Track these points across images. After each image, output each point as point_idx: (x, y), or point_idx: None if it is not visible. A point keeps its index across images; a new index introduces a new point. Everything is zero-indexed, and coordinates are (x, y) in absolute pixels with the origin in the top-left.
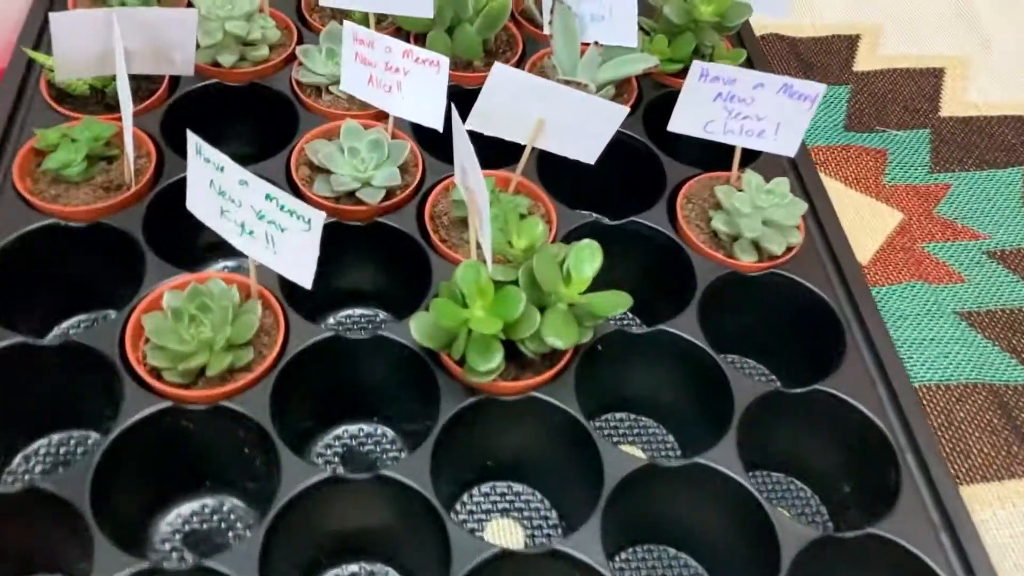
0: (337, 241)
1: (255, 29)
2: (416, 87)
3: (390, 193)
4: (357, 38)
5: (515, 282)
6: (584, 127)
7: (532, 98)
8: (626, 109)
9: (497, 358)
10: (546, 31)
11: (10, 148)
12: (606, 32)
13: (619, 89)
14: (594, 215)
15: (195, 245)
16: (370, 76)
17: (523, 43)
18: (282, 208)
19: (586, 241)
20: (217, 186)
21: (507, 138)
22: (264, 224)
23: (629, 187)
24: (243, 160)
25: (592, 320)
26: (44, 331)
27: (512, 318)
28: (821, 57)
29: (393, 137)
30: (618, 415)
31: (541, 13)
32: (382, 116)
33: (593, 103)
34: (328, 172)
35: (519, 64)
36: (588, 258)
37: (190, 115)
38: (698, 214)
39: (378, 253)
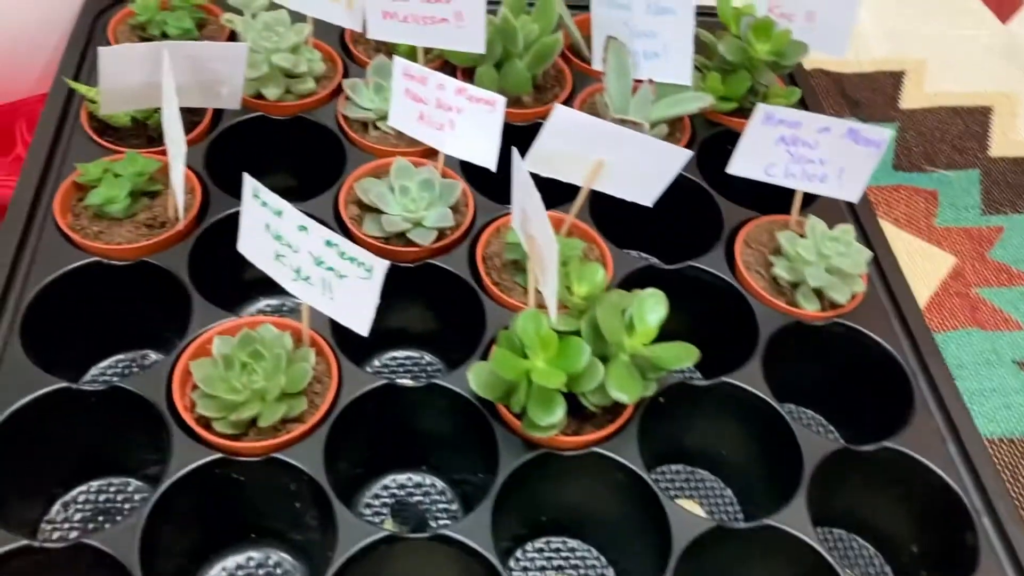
0: (386, 282)
1: (301, 62)
2: (470, 126)
3: (441, 234)
4: (407, 74)
5: (577, 332)
6: (644, 169)
7: (592, 140)
8: (689, 152)
9: (559, 412)
10: (595, 66)
11: (51, 182)
12: (660, 69)
13: (672, 128)
14: (648, 258)
15: (238, 282)
16: (420, 113)
17: (572, 79)
18: (342, 255)
19: (650, 290)
20: (273, 230)
21: (563, 179)
22: (322, 270)
23: (682, 228)
24: (287, 196)
25: (656, 372)
26: (81, 370)
27: (575, 370)
28: (866, 94)
29: (443, 176)
30: (673, 467)
31: (590, 48)
32: (431, 153)
33: (655, 145)
34: (378, 211)
35: (568, 100)
36: (653, 308)
37: (234, 149)
38: (757, 259)
39: (427, 295)
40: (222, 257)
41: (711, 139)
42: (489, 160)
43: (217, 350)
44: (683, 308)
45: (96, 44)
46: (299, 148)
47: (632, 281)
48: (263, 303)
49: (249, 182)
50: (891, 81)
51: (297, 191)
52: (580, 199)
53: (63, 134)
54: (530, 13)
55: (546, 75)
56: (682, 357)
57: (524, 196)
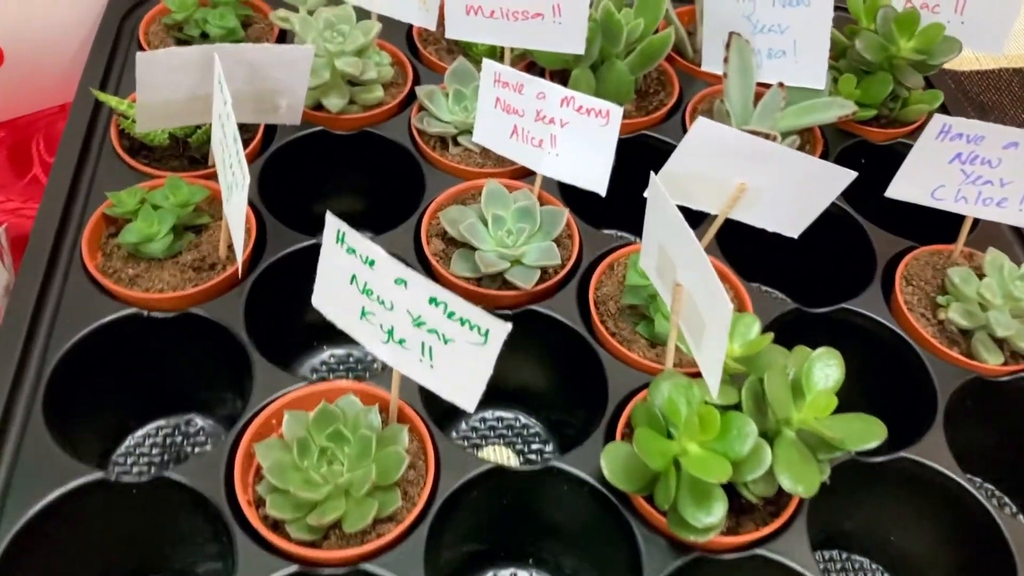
0: None
1: (369, 67)
2: (576, 142)
3: (544, 273)
4: (499, 80)
5: (735, 405)
6: (795, 194)
7: (737, 159)
8: (853, 173)
9: (719, 510)
10: (705, 66)
11: (76, 213)
12: (788, 70)
13: (802, 139)
14: (783, 298)
15: (296, 328)
16: (514, 127)
17: (679, 81)
18: (450, 315)
19: (823, 350)
20: (361, 283)
21: (693, 207)
22: (422, 332)
23: (821, 260)
24: (354, 226)
25: (829, 452)
26: (116, 440)
27: (738, 456)
28: (992, 95)
29: (542, 201)
30: (826, 553)
31: (693, 45)
32: (522, 172)
33: (814, 166)
34: (468, 247)
35: (676, 108)
36: (826, 371)
37: (291, 171)
38: (921, 299)
39: (527, 346)
40: (281, 303)
41: (848, 152)
42: (599, 184)
43: (288, 430)
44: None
45: (124, 48)
46: (367, 168)
47: (778, 328)
48: (327, 353)
49: (333, 224)
50: (1017, 80)
51: (367, 220)
52: (713, 230)
53: (89, 154)
54: (632, 5)
55: (648, 78)
56: (866, 435)
57: (668, 234)
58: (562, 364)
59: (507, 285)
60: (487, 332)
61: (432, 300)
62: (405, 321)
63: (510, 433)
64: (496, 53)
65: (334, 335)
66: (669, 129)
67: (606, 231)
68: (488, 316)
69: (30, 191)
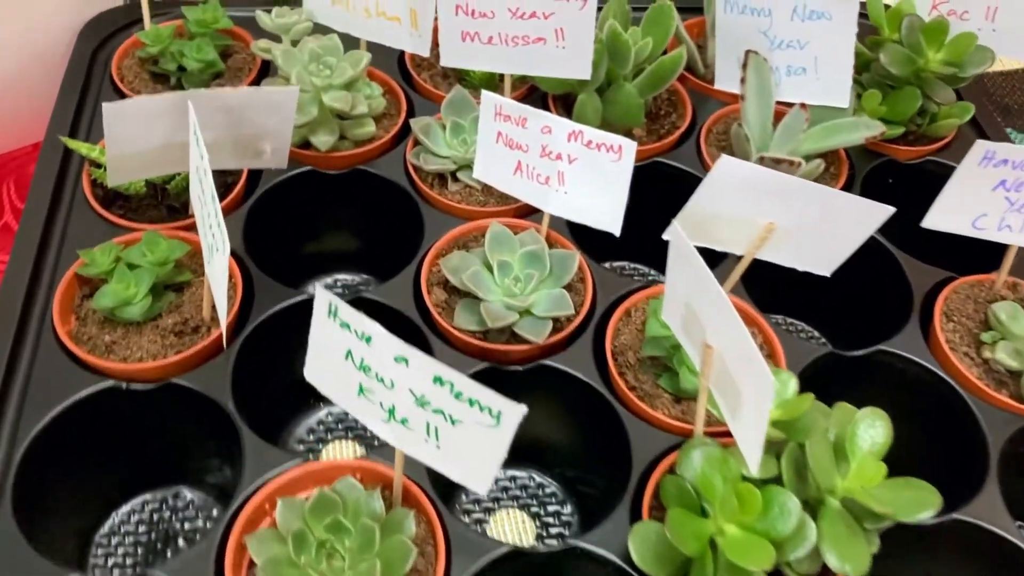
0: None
1: (359, 101)
2: (587, 179)
3: (556, 323)
4: (500, 113)
5: (775, 478)
6: (828, 232)
7: (765, 198)
8: (891, 209)
9: None
10: (719, 84)
11: (47, 274)
12: (808, 88)
13: (827, 161)
14: (823, 341)
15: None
16: (518, 163)
17: (691, 101)
18: (458, 396)
19: (868, 411)
20: (357, 359)
21: (718, 248)
22: (426, 412)
23: (850, 292)
24: (349, 271)
25: (877, 522)
26: (100, 517)
27: (781, 536)
28: (1017, 96)
29: (550, 242)
30: None
31: (703, 61)
32: (528, 209)
33: (849, 203)
34: (472, 297)
35: (690, 131)
36: (871, 434)
37: (279, 216)
38: (963, 337)
39: (540, 403)
40: (271, 363)
41: (875, 173)
42: (613, 224)
43: (283, 520)
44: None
45: (97, 83)
46: (361, 209)
47: (810, 374)
48: (324, 411)
49: (324, 298)
50: None
51: (362, 264)
52: (738, 272)
53: (60, 205)
54: (638, 23)
55: (658, 99)
56: (918, 504)
57: (695, 290)
58: (579, 421)
59: (516, 337)
60: (499, 415)
61: (437, 379)
62: (407, 400)
63: (524, 494)
64: (495, 78)
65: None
66: (683, 154)
67: (616, 263)
68: (500, 398)
69: (1, 240)
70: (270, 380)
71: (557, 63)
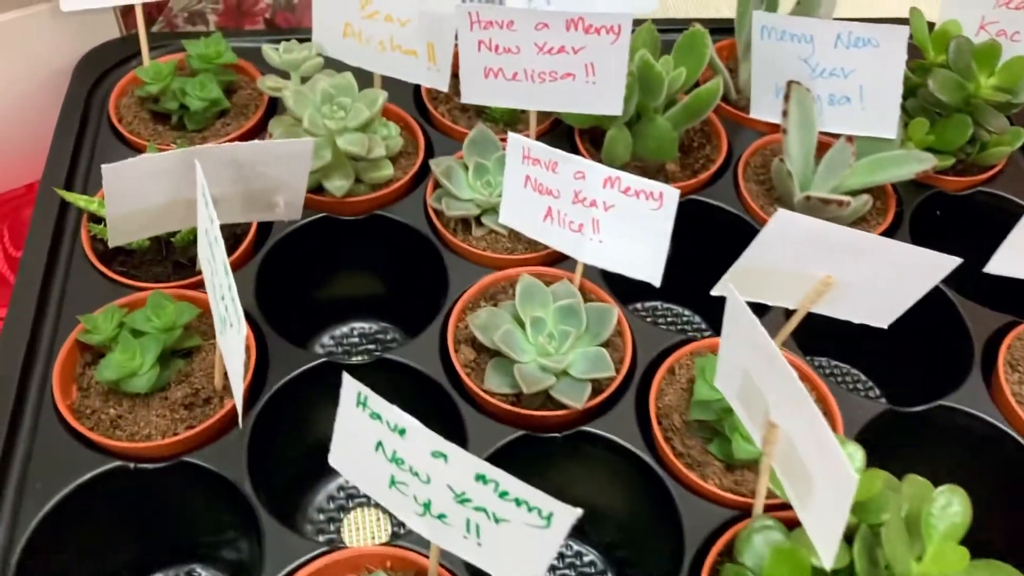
0: (524, 457)
1: (376, 144)
2: (623, 228)
3: (595, 385)
4: (528, 156)
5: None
6: (888, 284)
7: (822, 251)
8: (956, 260)
9: None
10: (755, 113)
11: (44, 340)
12: (853, 119)
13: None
14: (873, 389)
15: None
16: (548, 209)
17: (725, 133)
18: (503, 495)
19: (945, 489)
20: (389, 451)
21: (770, 303)
22: (467, 509)
23: (902, 338)
24: (370, 328)
25: None
26: None
27: None
28: None
29: (584, 293)
30: None
31: (735, 87)
32: (558, 256)
33: (914, 255)
34: (503, 356)
35: (725, 165)
36: (949, 515)
37: (292, 268)
38: None
39: (583, 473)
40: (289, 433)
41: (924, 207)
42: (652, 274)
43: None
44: (939, 470)
45: (94, 125)
46: (379, 257)
47: (869, 436)
48: (343, 478)
49: (352, 387)
50: None
51: (382, 315)
52: (790, 328)
53: (58, 260)
54: (667, 49)
55: (690, 130)
56: None
57: (756, 361)
58: (622, 490)
59: (551, 400)
60: (550, 516)
61: (480, 478)
62: (445, 496)
63: (562, 564)
64: (517, 112)
65: None
66: (720, 191)
67: (647, 303)
68: (551, 500)
69: None
70: (287, 449)
71: (587, 99)
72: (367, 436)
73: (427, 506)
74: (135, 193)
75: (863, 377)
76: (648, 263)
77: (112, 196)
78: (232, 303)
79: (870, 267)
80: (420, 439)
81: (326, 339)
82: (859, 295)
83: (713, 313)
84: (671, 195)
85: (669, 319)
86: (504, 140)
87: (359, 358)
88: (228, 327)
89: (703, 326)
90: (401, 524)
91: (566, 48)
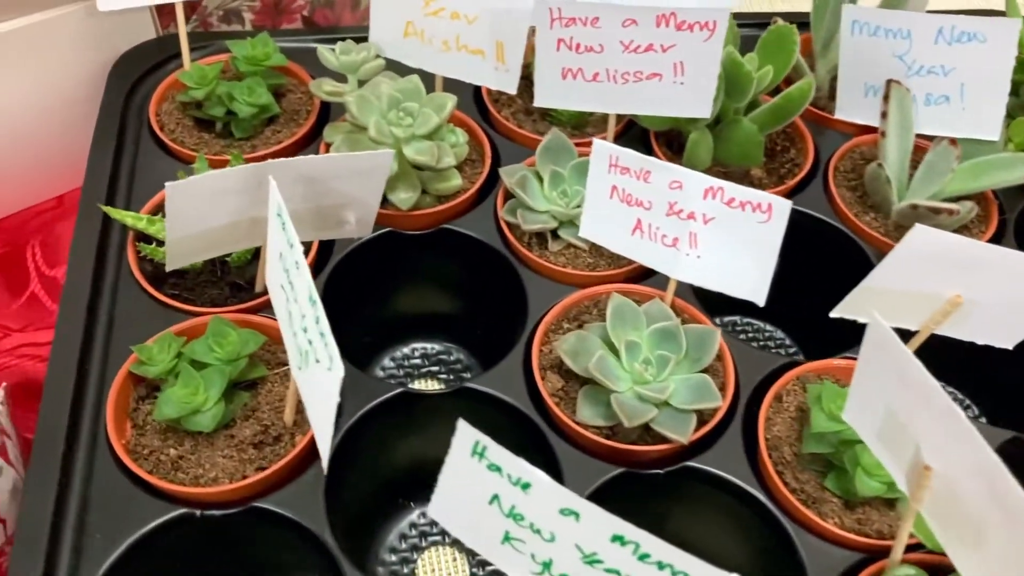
0: (622, 499)
1: (446, 152)
2: (725, 242)
3: (700, 416)
4: (616, 164)
5: None
6: (1018, 301)
7: (954, 269)
8: None
9: None
10: (839, 113)
11: (94, 373)
12: (952, 120)
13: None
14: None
15: (381, 491)
16: (638, 221)
17: (810, 134)
18: (643, 558)
19: None
20: (506, 505)
21: (891, 323)
22: (597, 571)
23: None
24: (432, 348)
25: None
26: None
27: None
28: None
29: (677, 312)
30: None
31: (821, 84)
32: (643, 272)
33: None
34: (595, 384)
35: (814, 171)
36: None
37: (356, 286)
38: None
39: (688, 511)
40: (360, 471)
41: None
42: (758, 293)
43: None
44: None
45: (134, 132)
46: (448, 273)
47: None
48: (415, 514)
49: (469, 435)
50: None
51: (442, 333)
52: (914, 345)
53: (103, 282)
54: (748, 47)
55: (772, 133)
56: None
57: (906, 398)
58: (734, 531)
59: (649, 432)
60: None
61: (618, 539)
62: (571, 556)
63: None
64: (586, 114)
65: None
66: (809, 197)
67: (726, 318)
68: (701, 563)
69: (29, 314)
70: (359, 487)
71: (673, 101)
72: (481, 488)
73: (547, 565)
74: (198, 213)
75: (967, 401)
76: (752, 280)
77: (173, 217)
78: (322, 338)
79: (1005, 285)
80: (547, 495)
81: (387, 361)
82: (986, 314)
83: (799, 329)
84: (781, 207)
85: (750, 335)
86: (577, 145)
87: (436, 386)
88: (310, 363)
89: (786, 341)
90: (481, 564)
91: (654, 46)
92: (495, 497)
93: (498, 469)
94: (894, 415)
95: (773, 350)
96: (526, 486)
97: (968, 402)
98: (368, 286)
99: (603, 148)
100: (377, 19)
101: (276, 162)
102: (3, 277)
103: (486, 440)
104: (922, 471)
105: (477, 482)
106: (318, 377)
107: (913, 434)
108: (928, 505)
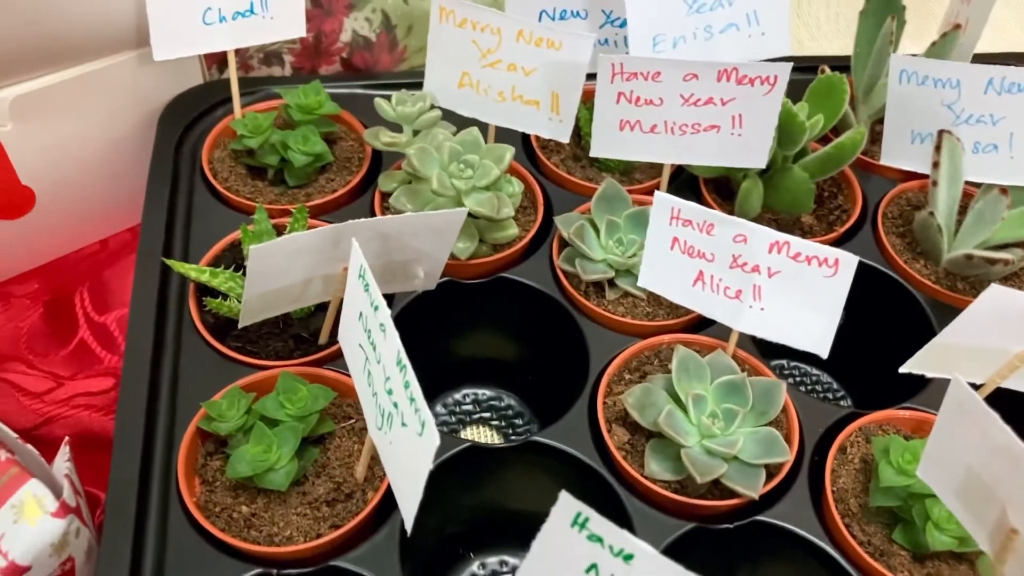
0: (693, 553)
1: (505, 203)
2: (790, 295)
3: (768, 471)
4: (678, 217)
5: None
6: None
7: (1020, 324)
8: None
9: None
10: (885, 160)
11: (161, 429)
12: (1000, 168)
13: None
14: None
15: (445, 541)
16: (700, 273)
17: (857, 181)
18: None
19: None
20: (606, 574)
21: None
22: None
23: None
24: (483, 394)
25: None
26: None
27: None
28: None
29: (740, 363)
30: None
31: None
32: (700, 321)
33: None
34: (662, 438)
35: (862, 217)
36: None
37: (415, 336)
38: None
39: (755, 566)
40: (427, 528)
41: None
42: (821, 346)
43: None
44: None
45: (187, 180)
46: (499, 322)
47: None
48: (475, 564)
49: (570, 506)
50: None
51: (513, 386)
52: None
53: (165, 335)
54: (801, 96)
55: (821, 180)
56: None
57: (988, 458)
58: None
59: (717, 485)
60: None
61: None
62: None
63: None
64: (633, 161)
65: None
66: (860, 244)
67: (774, 361)
68: None
69: (78, 362)
70: (427, 541)
71: (729, 152)
72: (578, 558)
73: None
74: (276, 272)
75: None
76: (816, 333)
77: (253, 277)
78: (412, 403)
79: None
80: (650, 566)
81: (439, 407)
82: None
83: (847, 374)
84: (848, 262)
85: (798, 378)
86: (628, 191)
87: (488, 432)
88: (398, 426)
89: (836, 387)
90: None
91: (714, 99)
92: (593, 566)
93: (599, 540)
94: (976, 475)
95: (822, 395)
96: (628, 557)
97: None
98: (426, 334)
99: (664, 200)
100: (433, 69)
101: (356, 223)
102: (50, 323)
103: (588, 511)
104: (1009, 534)
105: (575, 553)
106: (405, 441)
107: (998, 495)
108: (1012, 566)
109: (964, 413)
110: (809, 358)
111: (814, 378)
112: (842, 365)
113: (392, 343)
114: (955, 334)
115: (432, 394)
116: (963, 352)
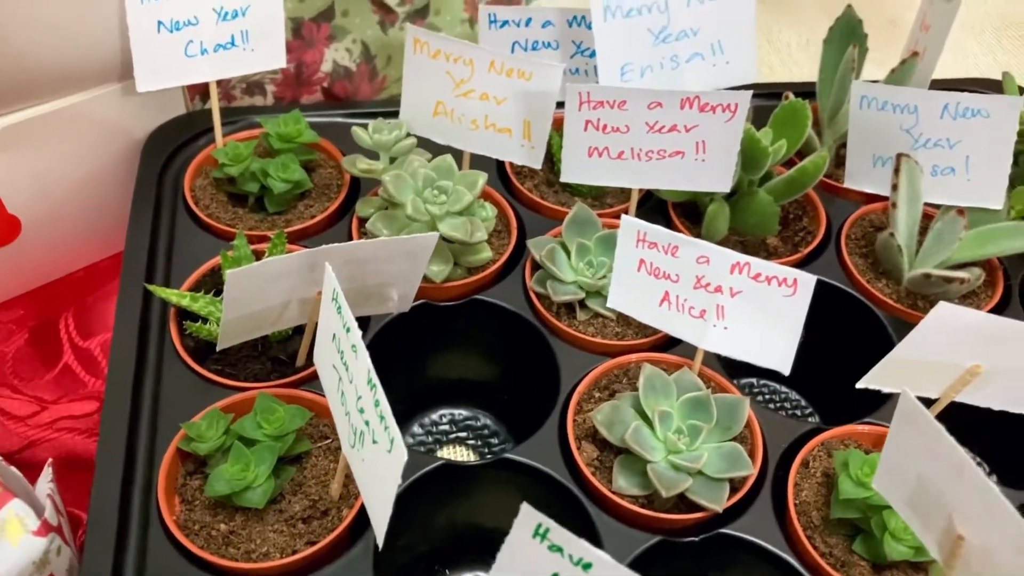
0: (659, 565)
1: (478, 228)
2: (751, 314)
3: (732, 485)
4: (644, 239)
5: None
6: None
7: (977, 342)
8: None
9: None
10: (848, 182)
11: (142, 450)
12: (957, 190)
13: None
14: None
15: (417, 556)
16: (665, 293)
17: (821, 203)
18: None
19: None
20: None
21: (913, 392)
22: None
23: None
24: (459, 414)
25: None
26: None
27: None
28: None
29: (706, 380)
30: None
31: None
32: (668, 340)
33: None
34: (630, 454)
35: (827, 239)
36: None
37: (390, 358)
38: None
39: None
40: (403, 543)
41: None
42: (782, 363)
43: None
44: None
45: (169, 208)
46: (473, 343)
47: None
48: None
49: (531, 517)
50: None
51: (468, 399)
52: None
53: (147, 358)
54: (767, 121)
55: (786, 203)
56: None
57: (934, 467)
58: None
59: (683, 500)
60: None
61: None
62: None
63: None
64: (604, 186)
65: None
66: (824, 265)
67: (744, 379)
68: None
69: (62, 386)
70: (401, 558)
71: (694, 177)
72: (541, 568)
73: None
74: (253, 296)
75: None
76: (778, 351)
77: (231, 301)
78: (381, 421)
79: (1018, 356)
80: (608, 574)
81: (416, 427)
82: (1005, 382)
83: (814, 390)
84: (806, 282)
85: (766, 396)
86: (598, 215)
87: (464, 451)
88: (370, 444)
89: (802, 402)
90: None
91: (678, 126)
92: (555, 575)
93: (559, 549)
94: (925, 485)
95: (790, 411)
96: (587, 566)
97: (979, 460)
98: (401, 356)
99: (631, 224)
100: (408, 98)
101: (330, 247)
102: (35, 348)
103: (548, 522)
104: (955, 540)
105: (537, 562)
106: (376, 458)
107: (944, 503)
108: (959, 572)
109: (912, 425)
110: (777, 376)
111: (783, 395)
112: (809, 382)
113: (363, 363)
114: (908, 350)
115: (409, 415)
116: (917, 368)
